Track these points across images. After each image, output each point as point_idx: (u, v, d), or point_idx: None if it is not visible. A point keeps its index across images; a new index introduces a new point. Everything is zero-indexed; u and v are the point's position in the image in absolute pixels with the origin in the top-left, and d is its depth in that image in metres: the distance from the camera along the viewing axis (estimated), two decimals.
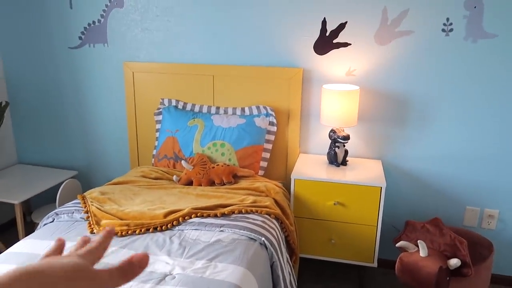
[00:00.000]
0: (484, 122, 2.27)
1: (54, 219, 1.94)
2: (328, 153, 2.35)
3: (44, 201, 2.92)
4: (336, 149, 2.32)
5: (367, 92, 2.36)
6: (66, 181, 2.62)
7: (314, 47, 2.38)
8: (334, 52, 2.36)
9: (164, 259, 1.61)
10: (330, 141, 2.35)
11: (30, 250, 1.65)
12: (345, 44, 2.34)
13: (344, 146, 2.33)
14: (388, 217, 2.50)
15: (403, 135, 2.39)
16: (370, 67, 2.33)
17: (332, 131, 2.31)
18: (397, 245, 2.04)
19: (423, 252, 1.91)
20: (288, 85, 2.43)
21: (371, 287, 2.40)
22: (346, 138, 2.27)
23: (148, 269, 1.54)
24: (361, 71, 2.35)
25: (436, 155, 2.37)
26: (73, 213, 1.94)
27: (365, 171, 2.26)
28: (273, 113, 2.43)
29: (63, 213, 1.94)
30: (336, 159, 2.33)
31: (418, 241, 1.92)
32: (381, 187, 2.10)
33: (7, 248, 1.78)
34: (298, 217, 2.24)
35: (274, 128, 2.45)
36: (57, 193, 2.61)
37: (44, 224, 1.93)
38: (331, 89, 2.21)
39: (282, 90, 2.44)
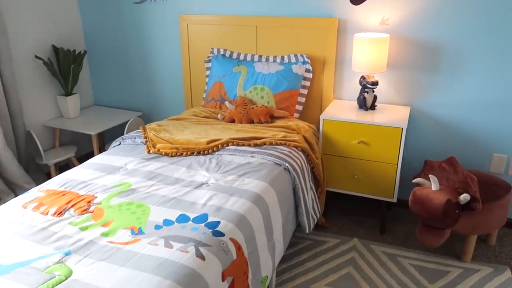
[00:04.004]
0: None
1: (120, 143, 2.40)
2: (358, 98, 2.55)
3: (115, 137, 3.46)
4: (365, 94, 2.50)
5: (400, 40, 2.48)
6: (132, 119, 3.09)
7: None
8: (369, 2, 2.49)
9: (203, 173, 1.98)
10: (360, 87, 2.53)
11: (103, 161, 2.12)
12: None
13: (373, 91, 2.51)
14: (416, 161, 2.67)
15: (433, 82, 2.50)
16: (404, 16, 2.44)
17: (362, 77, 2.49)
18: (413, 181, 2.23)
19: (434, 186, 2.09)
20: (324, 34, 2.62)
21: (391, 224, 2.62)
22: (375, 83, 2.44)
23: (189, 179, 1.92)
24: (395, 20, 2.46)
25: (465, 103, 2.46)
26: (135, 138, 2.38)
27: (390, 114, 2.44)
28: (309, 60, 2.65)
29: (128, 138, 2.40)
30: (365, 103, 2.52)
31: (430, 175, 2.10)
32: (402, 128, 2.28)
33: None
34: (326, 154, 2.50)
35: (310, 75, 2.67)
36: (124, 129, 3.10)
37: (113, 146, 2.40)
38: (362, 37, 2.37)
39: (318, 39, 2.64)
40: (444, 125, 2.55)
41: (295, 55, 2.70)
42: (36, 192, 1.82)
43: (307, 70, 2.67)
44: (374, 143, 2.36)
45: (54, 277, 1.27)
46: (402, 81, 2.57)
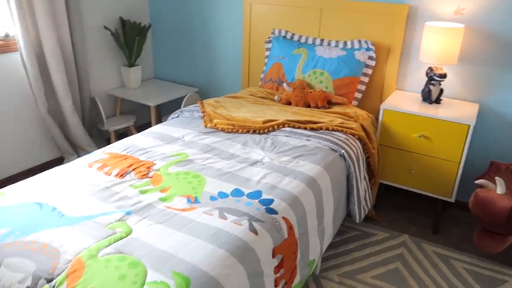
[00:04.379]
0: None
1: (179, 115, 2.46)
2: (423, 90, 2.43)
3: (171, 110, 3.56)
4: (431, 86, 2.38)
5: (475, 32, 2.33)
6: (190, 94, 3.16)
7: None
8: None
9: (258, 151, 1.99)
10: (426, 79, 2.41)
11: (162, 131, 2.19)
12: None
13: (440, 84, 2.38)
14: (479, 161, 2.52)
15: (508, 80, 2.32)
16: (481, 7, 2.27)
17: (430, 68, 2.36)
18: (476, 181, 2.11)
19: (500, 189, 1.96)
20: (392, 21, 2.51)
21: (445, 225, 2.51)
22: (443, 76, 2.31)
23: (244, 155, 1.93)
24: (471, 10, 2.31)
25: None
26: (193, 112, 2.43)
27: (457, 110, 2.30)
28: (373, 47, 2.56)
29: (186, 111, 2.45)
30: (430, 96, 2.40)
31: (496, 177, 1.97)
32: (469, 125, 2.15)
33: None
34: (382, 145, 2.42)
35: (373, 63, 2.58)
36: (181, 104, 3.18)
37: (172, 118, 2.47)
38: (433, 26, 2.25)
39: (385, 26, 2.54)
40: None
41: (359, 41, 2.61)
42: (100, 153, 1.91)
43: (370, 58, 2.58)
44: (437, 139, 2.25)
45: (115, 233, 1.34)
46: (472, 76, 2.41)
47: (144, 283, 1.15)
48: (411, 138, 2.32)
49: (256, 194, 1.60)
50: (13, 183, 1.73)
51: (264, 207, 1.53)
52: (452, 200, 2.32)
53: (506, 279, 2.06)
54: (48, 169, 1.84)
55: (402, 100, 2.46)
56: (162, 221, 1.41)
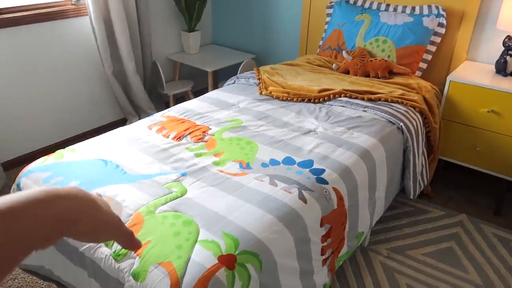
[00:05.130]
0: None
1: (235, 81, 2.48)
2: (497, 61, 2.23)
3: (227, 75, 3.59)
4: (508, 57, 2.18)
5: None
6: (246, 60, 3.16)
7: None
8: None
9: (311, 120, 1.97)
10: (503, 49, 2.21)
11: (217, 97, 2.23)
12: None
13: None
14: None
15: None
16: None
17: (508, 37, 2.16)
18: None
19: None
20: None
21: (509, 207, 2.36)
22: None
23: (297, 124, 1.93)
24: None
25: None
26: (249, 79, 2.44)
27: None
28: (444, 13, 2.37)
29: (242, 78, 2.47)
30: (505, 68, 2.20)
31: None
32: None
33: None
34: (446, 119, 2.29)
35: (442, 30, 2.40)
36: (238, 70, 3.19)
37: (228, 84, 2.50)
38: None
39: None
40: None
41: (429, 7, 2.43)
42: (159, 116, 2.00)
43: (440, 25, 2.40)
44: (508, 115, 2.08)
45: (172, 192, 1.42)
46: None
47: (196, 241, 1.21)
48: (478, 113, 2.17)
49: (307, 163, 1.61)
50: (81, 140, 1.88)
51: (315, 176, 1.53)
52: None
53: None
54: (112, 129, 1.97)
55: (473, 71, 2.29)
56: (214, 184, 1.46)
